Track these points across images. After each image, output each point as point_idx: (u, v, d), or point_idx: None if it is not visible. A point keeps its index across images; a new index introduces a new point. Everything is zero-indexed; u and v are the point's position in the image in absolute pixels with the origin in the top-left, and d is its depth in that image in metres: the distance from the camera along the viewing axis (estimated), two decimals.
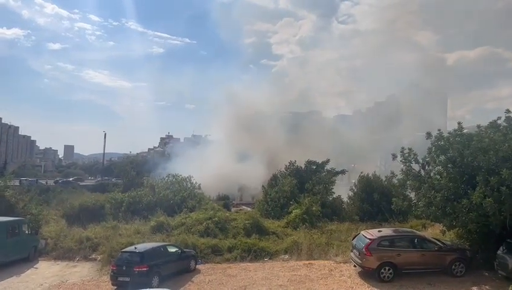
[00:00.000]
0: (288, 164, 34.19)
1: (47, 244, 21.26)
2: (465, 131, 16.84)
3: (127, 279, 14.49)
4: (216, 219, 22.80)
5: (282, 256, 19.55)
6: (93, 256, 19.77)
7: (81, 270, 18.09)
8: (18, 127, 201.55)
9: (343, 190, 31.33)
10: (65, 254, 20.15)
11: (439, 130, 17.67)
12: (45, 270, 18.24)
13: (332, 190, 30.75)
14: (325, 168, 33.45)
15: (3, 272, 17.47)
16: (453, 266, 15.70)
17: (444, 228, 17.31)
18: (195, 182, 37.27)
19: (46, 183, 66.40)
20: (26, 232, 20.14)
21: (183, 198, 30.27)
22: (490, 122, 16.39)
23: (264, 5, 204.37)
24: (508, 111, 16.17)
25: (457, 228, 16.77)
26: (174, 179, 38.34)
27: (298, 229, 22.84)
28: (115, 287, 15.12)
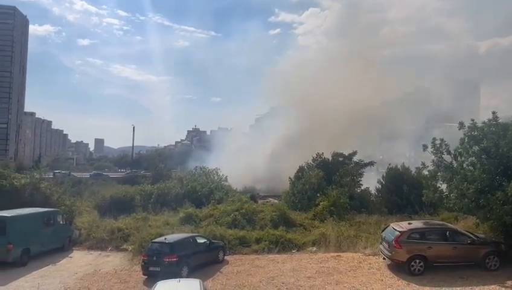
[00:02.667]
0: (315, 156, 33.96)
1: (80, 235, 21.91)
2: (499, 121, 16.24)
3: (158, 269, 14.78)
4: (243, 210, 22.95)
5: (310, 248, 19.48)
6: (125, 246, 20.22)
7: (113, 260, 18.56)
8: (51, 122, 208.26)
9: (371, 182, 30.88)
10: (98, 244, 20.71)
11: (472, 120, 17.09)
12: (79, 260, 18.83)
13: (360, 182, 30.38)
14: (353, 159, 33.05)
15: (40, 261, 18.14)
16: (487, 260, 15.26)
17: (478, 221, 16.85)
18: (222, 175, 37.68)
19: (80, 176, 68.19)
20: (61, 222, 20.78)
21: (210, 190, 30.60)
22: None
23: None
24: None
25: (492, 221, 16.25)
26: (201, 172, 38.90)
27: (326, 221, 22.68)
28: (146, 276, 15.45)
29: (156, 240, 16.79)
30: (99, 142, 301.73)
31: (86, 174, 74.58)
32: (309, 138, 55.23)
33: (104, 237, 21.05)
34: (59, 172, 68.78)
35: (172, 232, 19.04)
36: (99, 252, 19.97)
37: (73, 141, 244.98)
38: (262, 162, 59.62)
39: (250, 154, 67.54)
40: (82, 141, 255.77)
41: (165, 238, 16.40)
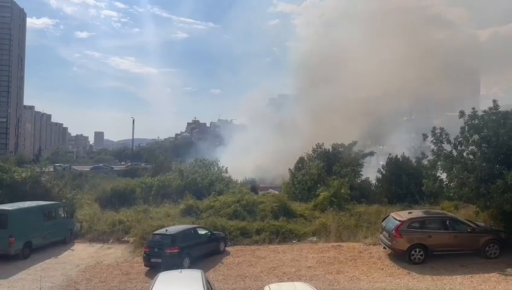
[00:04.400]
0: (315, 146, 33.94)
1: (82, 227, 21.98)
2: (500, 109, 16.20)
3: (159, 260, 14.85)
4: (244, 201, 22.99)
5: (311, 238, 19.58)
6: (126, 238, 20.31)
7: (115, 252, 18.63)
8: (50, 115, 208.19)
9: (371, 172, 30.88)
10: (99, 237, 20.75)
11: (473, 108, 17.05)
12: (81, 252, 18.91)
13: (361, 172, 30.38)
14: (353, 150, 33.03)
15: (42, 253, 18.21)
16: (487, 248, 15.36)
17: (477, 210, 16.90)
18: (222, 166, 37.72)
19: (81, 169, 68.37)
20: (62, 215, 20.82)
21: (211, 182, 30.66)
22: None
23: None
24: None
25: (491, 209, 16.31)
26: (201, 163, 38.94)
27: (326, 211, 22.74)
28: (148, 268, 15.55)
29: (157, 231, 16.86)
30: (99, 135, 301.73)
31: (86, 167, 74.72)
32: (309, 128, 55.17)
33: (105, 229, 21.10)
34: (59, 165, 68.81)
35: (173, 224, 19.09)
36: (101, 244, 20.02)
37: (73, 134, 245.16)
38: (262, 153, 59.58)
39: (251, 145, 67.49)
40: (82, 134, 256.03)
41: (166, 230, 16.49)
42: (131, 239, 19.82)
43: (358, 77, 60.32)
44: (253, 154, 60.77)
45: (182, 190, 28.33)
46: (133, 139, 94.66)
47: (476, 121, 16.43)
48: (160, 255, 15.09)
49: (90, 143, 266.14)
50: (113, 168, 77.00)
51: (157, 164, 46.78)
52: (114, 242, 20.20)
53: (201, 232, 17.44)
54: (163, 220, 20.92)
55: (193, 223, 19.86)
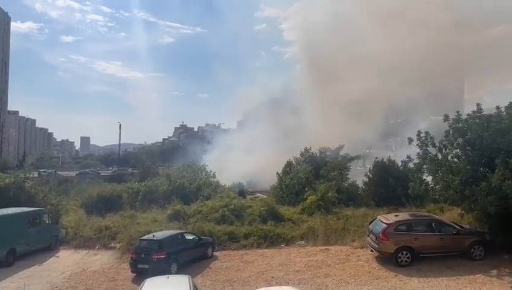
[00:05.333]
0: (303, 150, 34.12)
1: (67, 234, 21.67)
2: (483, 113, 16.48)
3: (146, 266, 14.70)
4: (232, 206, 22.94)
5: (299, 242, 19.60)
6: (113, 244, 20.08)
7: (101, 258, 18.40)
8: (35, 120, 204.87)
9: (358, 176, 31.14)
10: (85, 243, 20.48)
11: (457, 112, 17.32)
12: (66, 259, 18.63)
13: (348, 176, 30.62)
14: (340, 153, 33.29)
15: (26, 261, 17.87)
16: (472, 250, 15.55)
17: (463, 212, 17.12)
18: (210, 171, 37.64)
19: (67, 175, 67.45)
20: (47, 222, 20.51)
21: (198, 186, 30.56)
22: (510, 103, 15.96)
23: None
24: None
25: (476, 212, 16.53)
26: (189, 168, 38.80)
27: (314, 215, 22.82)
28: (135, 274, 15.37)
29: (144, 237, 16.70)
30: (85, 140, 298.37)
31: (72, 173, 73.79)
32: (295, 134, 55.37)
33: (91, 235, 20.85)
34: (44, 171, 67.79)
35: (161, 229, 18.91)
36: (87, 250, 19.76)
37: (58, 139, 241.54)
38: (250, 157, 59.61)
39: (239, 150, 67.48)
40: (67, 140, 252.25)
41: (153, 235, 16.34)
42: (118, 245, 19.60)
43: (343, 81, 60.99)
44: (241, 158, 60.74)
45: (170, 195, 28.17)
46: (119, 144, 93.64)
47: (460, 125, 16.67)
48: (147, 261, 14.94)
49: (76, 148, 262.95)
50: (99, 173, 76.19)
51: (144, 169, 46.42)
52: (100, 248, 19.95)
53: (189, 237, 17.34)
54: (150, 226, 20.74)
55: (180, 228, 19.71)
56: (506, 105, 16.09)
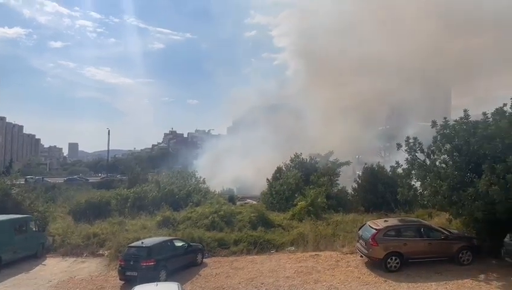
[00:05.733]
0: (293, 156, 34.20)
1: (54, 241, 21.37)
2: (470, 119, 16.71)
3: (135, 273, 14.53)
4: (221, 212, 22.84)
5: (289, 248, 19.59)
6: (101, 252, 19.87)
7: (89, 266, 18.17)
8: (22, 126, 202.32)
9: (348, 181, 31.30)
10: (72, 250, 20.22)
11: (445, 118, 17.55)
12: (53, 267, 18.35)
13: (337, 181, 30.75)
14: (329, 159, 33.44)
15: (12, 269, 17.57)
16: (460, 255, 15.69)
17: (450, 217, 17.28)
18: (200, 177, 37.49)
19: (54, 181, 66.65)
20: (34, 229, 20.23)
21: (188, 193, 30.41)
22: (496, 110, 16.21)
23: None
24: None
25: (464, 217, 16.72)
26: (178, 175, 38.62)
27: (304, 221, 22.85)
28: (123, 281, 15.19)
29: (132, 244, 16.53)
30: (73, 146, 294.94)
31: (60, 179, 72.95)
32: (285, 139, 55.54)
33: (79, 242, 20.61)
34: (31, 177, 66.91)
35: (150, 236, 18.74)
36: (74, 258, 19.50)
37: (46, 145, 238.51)
38: (241, 163, 59.55)
39: (229, 156, 67.36)
40: (55, 146, 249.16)
41: (142, 242, 16.18)
42: (106, 252, 19.39)
43: (334, 87, 61.46)
44: (233, 164, 60.64)
45: (159, 201, 27.99)
46: (108, 150, 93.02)
47: (448, 131, 16.88)
48: (135, 268, 14.76)
49: (64, 154, 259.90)
50: (87, 180, 75.40)
51: (133, 175, 46.05)
52: (88, 256, 19.72)
53: (178, 244, 17.20)
54: (139, 233, 20.55)
55: (170, 235, 19.56)
56: (493, 111, 16.34)
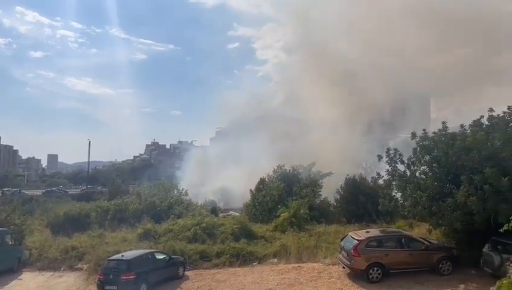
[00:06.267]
0: (276, 167, 34.25)
1: (31, 255, 20.81)
2: (449, 131, 17.07)
3: (114, 287, 14.30)
4: (204, 224, 22.65)
5: (271, 260, 19.50)
6: (79, 265, 19.43)
7: (66, 280, 17.73)
8: (0, 137, 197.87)
9: (330, 193, 31.42)
10: (50, 264, 19.73)
11: (424, 130, 17.90)
12: (30, 282, 17.86)
13: (320, 193, 30.87)
14: (312, 170, 33.60)
15: None
16: (440, 265, 15.85)
17: (430, 227, 17.50)
18: (182, 189, 37.19)
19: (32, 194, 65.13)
20: (10, 243, 19.72)
21: (170, 205, 30.09)
22: (473, 122, 16.62)
23: (247, 11, 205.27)
24: (491, 110, 16.41)
25: (443, 227, 16.97)
26: (160, 187, 38.20)
27: (286, 232, 22.82)
28: None
29: (112, 257, 16.24)
30: (52, 157, 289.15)
31: (38, 192, 71.32)
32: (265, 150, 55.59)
33: (56, 256, 20.12)
34: (8, 190, 65.26)
35: (130, 249, 18.45)
36: (52, 272, 19.01)
37: (24, 157, 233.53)
38: (224, 174, 59.27)
39: (212, 167, 66.99)
40: (34, 157, 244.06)
41: (122, 255, 15.91)
42: (85, 266, 18.96)
43: (314, 101, 62.17)
44: (216, 175, 60.28)
45: (140, 213, 27.60)
46: (88, 161, 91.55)
47: (427, 142, 17.21)
48: (115, 282, 14.51)
49: (43, 166, 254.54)
50: (67, 192, 73.87)
51: (113, 187, 45.36)
52: (66, 270, 19.25)
53: (159, 256, 16.96)
54: (119, 245, 20.20)
55: (151, 247, 19.28)
56: (470, 123, 16.75)
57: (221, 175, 58.28)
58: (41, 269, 19.57)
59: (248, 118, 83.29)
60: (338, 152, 47.63)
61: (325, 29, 71.29)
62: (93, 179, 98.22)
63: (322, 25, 72.51)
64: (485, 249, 15.12)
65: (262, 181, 33.81)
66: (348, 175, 30.82)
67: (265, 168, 35.87)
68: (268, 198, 29.97)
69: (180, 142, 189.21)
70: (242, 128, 77.32)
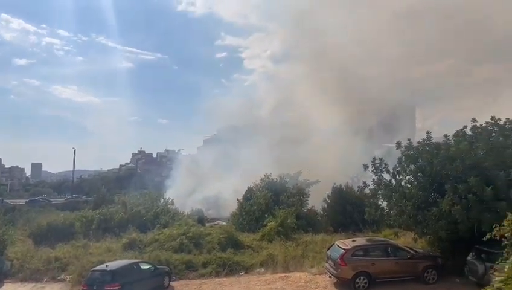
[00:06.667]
0: (263, 177, 34.19)
1: (13, 266, 20.34)
2: (433, 141, 17.31)
3: None
4: (190, 234, 22.48)
5: (258, 269, 19.40)
6: (62, 276, 19.07)
7: None
8: None
9: (318, 202, 31.47)
10: (32, 275, 19.34)
11: (409, 139, 18.12)
12: None
13: (307, 201, 30.88)
14: (299, 179, 33.60)
15: None
16: (426, 273, 15.95)
17: (416, 236, 17.63)
18: (168, 198, 36.86)
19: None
20: None
21: (156, 214, 29.81)
22: (457, 132, 16.90)
23: (234, 21, 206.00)
24: (474, 120, 16.73)
25: (429, 236, 17.12)
26: (147, 196, 37.82)
27: (273, 242, 22.76)
28: None
29: (96, 268, 15.98)
30: (36, 166, 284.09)
31: (21, 201, 70.00)
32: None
33: (39, 267, 19.73)
34: None
35: (115, 259, 18.20)
36: (34, 283, 18.63)
37: (7, 165, 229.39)
38: (211, 183, 58.96)
39: (199, 176, 66.61)
40: (17, 166, 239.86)
41: (107, 266, 15.66)
42: (68, 277, 18.62)
43: (303, 109, 62.53)
44: (203, 184, 59.94)
45: (125, 223, 27.29)
46: (73, 170, 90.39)
47: (412, 152, 17.42)
48: None
49: (27, 175, 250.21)
50: (51, 201, 72.63)
51: (99, 196, 44.75)
52: (48, 281, 18.89)
53: (144, 267, 16.74)
54: (104, 256, 19.92)
55: (136, 257, 19.06)
56: (454, 133, 17.02)
57: (211, 184, 58.02)
58: (23, 280, 19.16)
59: (239, 125, 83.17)
60: (330, 160, 47.93)
61: (314, 39, 72.07)
62: (78, 188, 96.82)
63: (311, 34, 73.27)
64: (469, 257, 15.27)
65: (249, 190, 33.72)
66: (334, 184, 30.95)
67: (254, 176, 35.75)
68: (255, 207, 29.88)
69: (167, 151, 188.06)
70: (232, 136, 77.26)
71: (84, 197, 70.98)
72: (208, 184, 59.13)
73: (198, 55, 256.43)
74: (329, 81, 63.76)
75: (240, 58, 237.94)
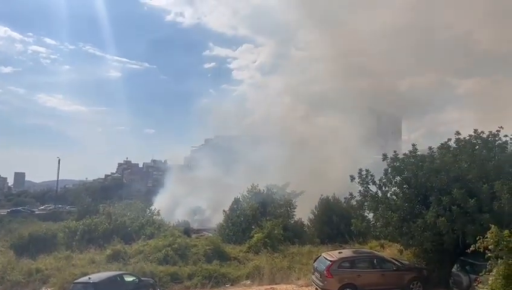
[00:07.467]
0: (250, 187, 34.08)
1: None
2: (418, 153, 17.50)
3: None
4: (176, 245, 22.22)
5: (244, 281, 19.25)
6: (44, 289, 18.66)
7: None
8: None
9: (305, 213, 31.44)
10: (13, 288, 19.00)
11: (394, 151, 18.28)
12: None
13: (294, 213, 30.83)
14: (286, 190, 33.58)
15: None
16: (411, 285, 15.95)
17: (402, 248, 17.70)
18: (154, 209, 36.50)
19: None
20: None
21: (141, 225, 29.44)
22: (441, 144, 17.13)
23: (223, 32, 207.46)
24: (457, 133, 17.00)
25: (414, 247, 17.20)
26: (131, 206, 37.40)
27: (260, 253, 22.61)
28: None
29: (78, 280, 15.66)
30: (19, 175, 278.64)
31: (3, 211, 68.57)
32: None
33: (19, 279, 19.32)
34: None
35: (98, 271, 17.88)
36: None
37: None
38: (198, 194, 58.66)
39: (186, 186, 66.22)
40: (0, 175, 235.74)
41: (89, 278, 15.35)
42: (50, 289, 18.18)
43: (290, 120, 62.88)
44: (190, 195, 59.58)
45: (110, 234, 26.85)
46: (57, 180, 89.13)
47: (398, 164, 17.56)
48: None
49: (9, 185, 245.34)
50: (33, 211, 71.32)
51: (82, 207, 44.02)
52: None
53: (128, 279, 16.44)
54: (87, 267, 19.56)
55: (120, 269, 18.74)
56: (438, 146, 17.25)
57: (198, 194, 57.73)
58: None
59: (222, 137, 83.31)
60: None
61: (302, 49, 72.88)
62: (62, 198, 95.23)
63: (299, 45, 74.16)
64: (454, 269, 15.35)
65: (236, 201, 33.57)
66: (322, 195, 30.98)
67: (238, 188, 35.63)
68: (242, 218, 29.72)
69: (153, 161, 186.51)
70: (221, 147, 77.17)
71: (68, 207, 69.83)
72: (195, 195, 58.84)
73: (186, 65, 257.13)
74: (315, 93, 64.44)
75: (228, 68, 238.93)
